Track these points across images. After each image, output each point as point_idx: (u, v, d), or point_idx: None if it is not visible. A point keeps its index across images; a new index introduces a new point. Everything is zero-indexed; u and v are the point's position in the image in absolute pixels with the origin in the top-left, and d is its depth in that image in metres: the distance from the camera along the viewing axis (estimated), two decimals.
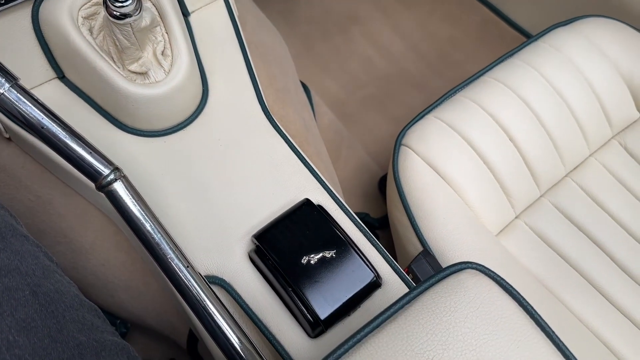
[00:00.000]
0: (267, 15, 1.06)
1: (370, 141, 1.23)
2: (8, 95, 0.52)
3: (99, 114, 0.74)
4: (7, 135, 0.76)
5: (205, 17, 0.84)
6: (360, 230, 0.69)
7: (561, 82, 0.94)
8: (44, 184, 0.77)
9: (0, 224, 0.45)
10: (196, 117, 0.76)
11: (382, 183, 1.14)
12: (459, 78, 1.35)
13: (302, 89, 1.02)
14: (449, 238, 0.79)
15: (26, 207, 0.77)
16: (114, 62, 0.71)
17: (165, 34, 0.73)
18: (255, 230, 0.67)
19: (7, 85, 0.52)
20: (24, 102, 0.53)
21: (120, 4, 0.63)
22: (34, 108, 0.53)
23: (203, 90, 0.77)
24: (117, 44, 0.68)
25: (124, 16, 0.64)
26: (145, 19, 0.67)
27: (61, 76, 0.75)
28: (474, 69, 1.35)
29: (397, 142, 0.89)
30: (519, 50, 0.99)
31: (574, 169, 0.95)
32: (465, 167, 0.85)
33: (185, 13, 0.81)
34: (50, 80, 0.75)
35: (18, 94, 0.53)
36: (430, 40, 1.42)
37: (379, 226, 1.08)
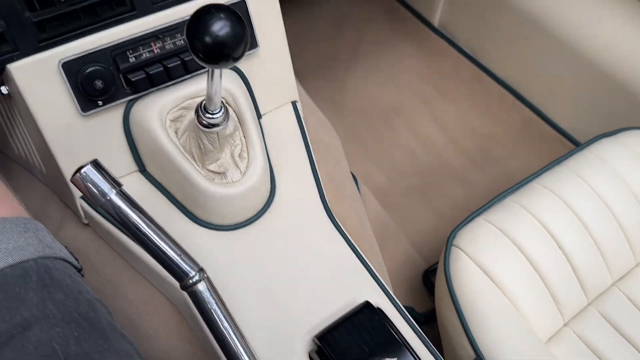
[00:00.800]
0: (317, 104, 1.13)
1: (414, 233, 1.26)
2: (113, 201, 0.57)
3: (175, 206, 0.79)
4: (86, 221, 0.81)
5: (275, 119, 0.90)
6: (415, 333, 0.71)
7: (608, 192, 0.97)
8: (115, 270, 0.81)
9: (103, 322, 0.48)
10: (263, 213, 0.80)
11: (426, 277, 1.16)
12: (500, 174, 1.40)
13: (353, 182, 1.07)
14: (502, 345, 0.80)
15: (96, 291, 0.80)
16: (195, 161, 0.76)
17: (243, 138, 0.79)
18: (315, 330, 0.69)
19: (113, 192, 0.57)
20: (125, 207, 0.58)
21: (211, 116, 0.69)
22: (133, 214, 0.58)
23: (271, 187, 0.82)
24: (202, 147, 0.74)
25: (213, 126, 0.70)
26: (229, 127, 0.73)
27: (142, 169, 0.81)
28: (515, 166, 1.40)
29: (448, 243, 0.92)
30: (566, 158, 1.03)
31: (621, 278, 0.96)
32: (515, 273, 0.88)
33: (258, 116, 0.87)
34: (132, 172, 0.81)
35: (121, 200, 0.58)
36: (471, 135, 1.48)
37: (424, 321, 1.10)
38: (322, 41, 1.72)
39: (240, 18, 0.55)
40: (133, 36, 0.73)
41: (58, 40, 0.69)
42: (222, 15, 0.53)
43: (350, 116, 1.55)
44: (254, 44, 0.82)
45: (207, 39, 0.53)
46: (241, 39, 0.55)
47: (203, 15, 0.53)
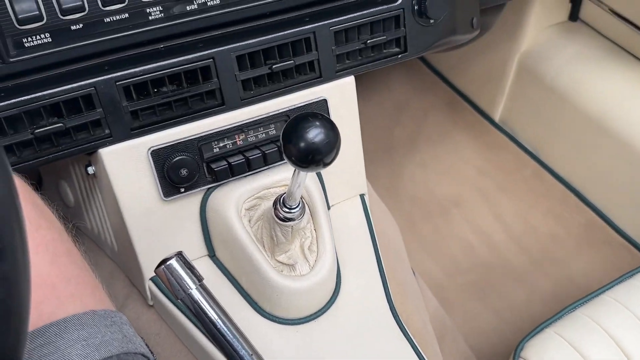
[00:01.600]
0: (374, 190, 1.13)
1: (472, 333, 1.21)
2: (193, 295, 0.58)
3: (240, 294, 0.79)
4: (151, 303, 0.82)
5: (343, 211, 0.90)
6: None
7: None
8: (172, 353, 0.80)
9: None
10: (328, 309, 0.79)
11: None
12: (562, 278, 1.35)
13: (414, 278, 1.05)
14: None
15: None
16: (265, 250, 0.77)
17: (314, 231, 0.79)
18: None
19: (194, 286, 0.57)
20: (204, 303, 0.58)
21: (289, 210, 0.70)
22: (211, 310, 0.58)
23: (337, 282, 0.81)
24: (274, 238, 0.74)
25: (289, 220, 0.71)
26: (304, 221, 0.74)
27: (212, 255, 0.81)
28: (578, 270, 1.35)
29: (516, 355, 0.87)
30: (638, 272, 0.98)
31: None
32: None
33: (327, 206, 0.88)
34: (202, 257, 0.81)
35: (201, 295, 0.58)
36: (532, 234, 1.44)
37: None
38: (380, 128, 1.75)
39: (334, 127, 0.56)
40: (220, 128, 0.76)
41: (149, 129, 0.72)
42: (317, 124, 0.55)
43: (407, 204, 1.54)
44: None
45: (302, 144, 0.55)
46: (333, 147, 0.56)
47: (300, 121, 0.55)
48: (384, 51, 0.86)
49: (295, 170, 0.62)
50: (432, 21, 0.85)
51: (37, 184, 1.12)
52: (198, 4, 0.74)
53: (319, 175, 0.86)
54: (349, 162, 0.89)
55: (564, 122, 1.45)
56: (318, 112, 0.57)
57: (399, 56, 0.87)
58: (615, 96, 1.34)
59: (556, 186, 1.49)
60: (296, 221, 0.72)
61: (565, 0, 1.47)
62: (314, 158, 0.56)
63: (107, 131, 0.70)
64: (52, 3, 0.64)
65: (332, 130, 0.56)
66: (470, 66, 1.69)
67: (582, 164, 1.43)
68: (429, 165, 1.65)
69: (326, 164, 0.57)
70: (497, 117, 1.65)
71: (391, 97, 1.84)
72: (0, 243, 0.33)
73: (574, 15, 1.48)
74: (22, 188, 0.54)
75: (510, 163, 1.59)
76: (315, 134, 0.55)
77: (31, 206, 0.51)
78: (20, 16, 0.62)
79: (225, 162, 0.76)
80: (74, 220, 0.95)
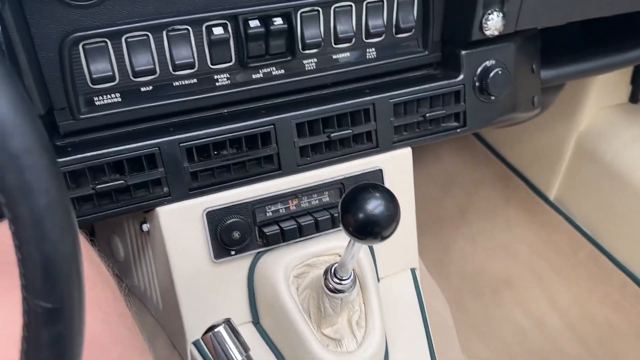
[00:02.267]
0: (422, 264, 1.09)
1: None
2: None
3: None
4: None
5: (393, 285, 0.87)
6: None
7: None
8: None
9: None
10: None
11: None
12: None
13: None
14: None
15: None
16: (311, 321, 0.74)
17: (363, 304, 0.76)
18: None
19: (240, 357, 0.55)
20: None
21: (339, 281, 0.68)
22: None
23: None
24: (321, 309, 0.72)
25: (340, 292, 0.69)
26: (353, 294, 0.71)
27: (256, 322, 0.79)
28: None
29: None
30: None
31: None
32: None
33: (377, 279, 0.85)
34: (246, 323, 0.79)
35: None
36: (589, 322, 1.36)
37: None
38: (429, 200, 1.72)
39: (394, 199, 0.55)
40: (274, 193, 0.76)
41: (207, 190, 0.73)
42: (378, 195, 0.54)
43: (455, 279, 1.49)
44: None
45: (361, 215, 0.54)
46: (393, 220, 0.54)
47: (361, 191, 0.54)
48: (443, 125, 0.86)
49: (350, 241, 0.61)
50: (493, 98, 0.85)
51: (91, 237, 1.14)
52: (263, 73, 0.76)
53: (370, 247, 0.84)
54: (402, 235, 0.87)
55: (623, 205, 1.38)
56: (378, 184, 0.56)
57: (458, 130, 0.86)
58: None
59: (614, 271, 1.41)
60: (346, 293, 0.69)
61: (626, 83, 1.45)
62: (372, 230, 0.54)
63: (166, 190, 0.71)
64: (126, 65, 0.67)
65: (392, 202, 0.54)
66: (525, 142, 1.67)
67: None
68: (478, 240, 1.60)
69: (384, 237, 0.55)
70: (552, 196, 1.60)
71: (441, 168, 1.82)
72: (59, 302, 0.33)
73: (634, 97, 1.45)
74: (82, 244, 0.54)
75: (566, 244, 1.52)
76: (375, 206, 0.53)
77: (88, 262, 0.51)
78: (94, 76, 0.65)
79: (277, 227, 0.76)
80: (121, 275, 0.96)
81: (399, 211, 0.55)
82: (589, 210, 1.50)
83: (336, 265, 0.68)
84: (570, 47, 1.13)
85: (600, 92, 1.43)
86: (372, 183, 0.55)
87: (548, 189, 1.61)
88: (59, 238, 0.32)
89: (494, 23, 0.78)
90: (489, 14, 0.78)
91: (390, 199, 0.54)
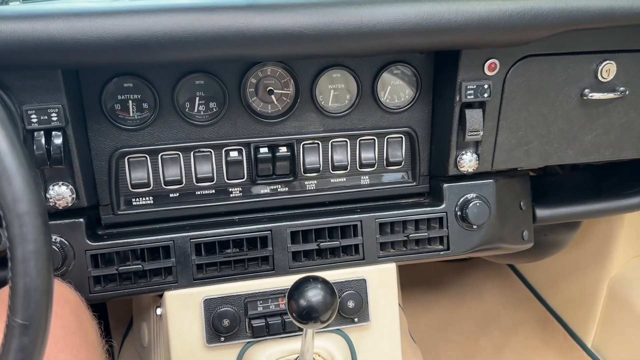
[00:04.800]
0: None
1: None
2: None
3: None
4: None
5: None
6: None
7: None
8: None
9: None
10: None
11: None
12: None
13: None
14: None
15: None
16: None
17: None
18: None
19: None
20: None
21: None
22: None
23: None
24: None
25: None
26: None
27: None
28: None
29: None
30: None
31: None
32: None
33: None
34: None
35: None
36: None
37: None
38: (467, 336, 1.72)
39: (332, 289, 0.66)
40: (266, 289, 0.88)
41: (209, 281, 0.87)
42: (318, 285, 0.65)
43: None
44: (365, 318, 0.91)
45: (302, 302, 0.65)
46: (329, 307, 0.65)
47: (302, 283, 0.66)
48: (429, 246, 0.96)
49: (304, 330, 0.71)
50: (474, 227, 0.95)
51: (128, 326, 1.30)
52: (270, 189, 0.92)
53: (352, 352, 0.92)
54: (384, 347, 0.94)
55: None
56: (319, 276, 0.67)
57: (441, 253, 0.95)
58: None
59: None
60: None
61: None
62: (310, 315, 0.65)
63: (174, 277, 0.86)
64: (159, 175, 0.87)
65: (330, 293, 0.65)
66: (563, 285, 1.67)
67: None
68: None
69: (324, 322, 0.65)
70: (589, 343, 1.55)
71: (482, 306, 1.83)
72: (29, 320, 0.47)
73: None
74: (74, 299, 0.70)
75: None
76: (314, 294, 0.65)
77: (74, 316, 0.66)
78: (134, 182, 0.85)
79: (264, 321, 0.87)
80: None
81: (335, 301, 0.66)
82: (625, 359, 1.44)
83: (298, 357, 0.77)
84: (580, 189, 1.21)
85: (631, 239, 1.44)
86: (314, 275, 0.67)
87: (586, 335, 1.57)
88: (37, 275, 0.47)
89: (467, 162, 0.91)
90: (463, 154, 0.91)
91: (327, 289, 0.65)
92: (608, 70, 0.88)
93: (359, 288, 0.92)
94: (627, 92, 0.90)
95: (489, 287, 1.89)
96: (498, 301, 1.84)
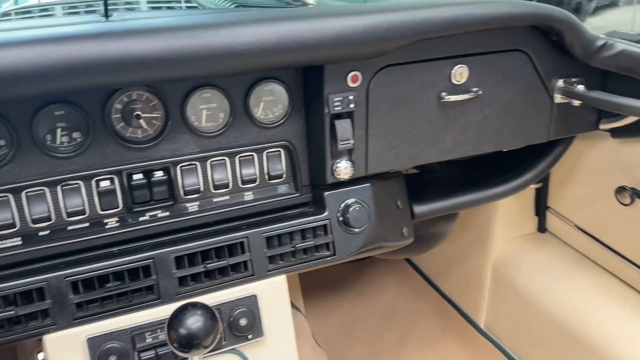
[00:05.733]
0: None
1: None
2: None
3: None
4: None
5: None
6: None
7: None
8: None
9: None
10: None
11: None
12: None
13: None
14: None
15: None
16: None
17: None
18: None
19: None
20: None
21: None
22: None
23: None
24: None
25: None
26: None
27: None
28: None
29: None
30: None
31: None
32: None
33: None
34: None
35: None
36: None
37: None
38: (371, 332, 1.78)
39: (212, 313, 0.66)
40: (154, 320, 0.86)
41: (91, 319, 0.84)
42: (198, 312, 0.65)
43: None
44: (259, 333, 0.92)
45: (182, 330, 0.64)
46: (210, 332, 0.65)
47: (181, 311, 0.65)
48: (316, 254, 0.98)
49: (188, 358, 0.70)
50: (356, 230, 0.98)
51: None
52: (149, 216, 0.90)
53: None
54: (280, 356, 0.95)
55: (541, 330, 1.45)
56: (199, 302, 0.67)
57: (329, 259, 0.98)
58: (584, 304, 1.36)
59: None
60: None
61: (531, 214, 1.59)
62: (191, 342, 0.64)
63: (52, 320, 0.82)
64: (25, 214, 0.82)
65: (211, 318, 0.65)
66: (453, 272, 1.77)
67: None
68: None
69: (206, 347, 0.65)
70: (482, 323, 1.67)
71: (384, 301, 1.90)
72: None
73: (541, 227, 1.58)
74: None
75: None
76: (193, 321, 0.64)
77: None
78: None
79: (154, 352, 0.85)
80: None
81: (217, 323, 0.65)
82: (514, 336, 1.56)
83: None
84: (454, 184, 1.30)
85: (507, 224, 1.57)
86: (193, 302, 0.66)
87: (478, 317, 1.68)
88: None
89: (343, 170, 0.94)
90: (338, 163, 0.94)
91: (207, 314, 0.65)
92: (461, 73, 0.95)
93: (251, 304, 0.92)
94: (480, 92, 0.98)
95: (389, 282, 1.97)
96: (398, 295, 1.92)
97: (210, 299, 0.90)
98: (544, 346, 1.44)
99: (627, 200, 1.19)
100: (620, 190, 1.20)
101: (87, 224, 0.87)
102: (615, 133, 1.15)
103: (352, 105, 0.89)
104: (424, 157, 1.00)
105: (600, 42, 0.98)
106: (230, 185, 0.94)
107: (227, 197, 0.95)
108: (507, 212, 1.54)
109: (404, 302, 1.88)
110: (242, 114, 0.91)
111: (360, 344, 1.73)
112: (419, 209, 1.12)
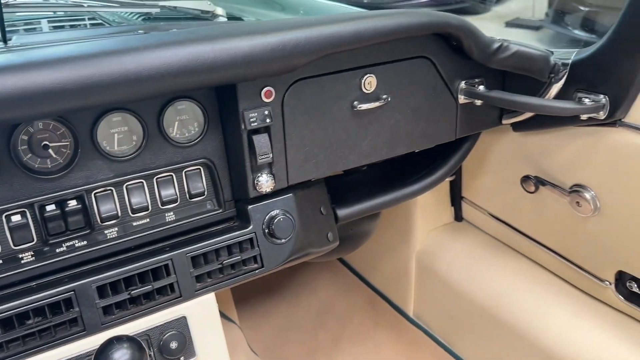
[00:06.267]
0: None
1: None
2: None
3: None
4: None
5: None
6: None
7: None
8: None
9: None
10: None
11: None
12: None
13: None
14: None
15: None
16: None
17: None
18: None
19: None
20: None
21: None
22: None
23: None
24: None
25: None
26: None
27: None
28: None
29: None
30: None
31: None
32: None
33: None
34: None
35: None
36: None
37: None
38: (306, 333, 1.81)
39: (139, 345, 0.66)
40: (80, 353, 0.84)
41: (12, 359, 0.80)
42: (124, 345, 0.64)
43: None
44: (191, 354, 0.92)
45: None
46: None
47: (107, 346, 0.64)
48: (244, 267, 0.99)
49: None
50: (282, 241, 1.00)
51: None
52: (66, 246, 0.88)
53: None
54: None
55: (464, 314, 1.53)
56: (125, 335, 0.66)
57: (257, 271, 0.99)
58: (501, 286, 1.46)
59: None
60: None
61: (448, 205, 1.68)
62: None
63: None
64: None
65: (136, 348, 0.65)
66: (382, 266, 1.84)
67: (489, 355, 1.48)
68: None
69: None
70: (411, 312, 1.74)
71: (317, 301, 1.94)
72: None
73: (458, 217, 1.67)
74: None
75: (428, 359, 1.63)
76: (120, 355, 0.64)
77: None
78: None
79: None
80: None
81: (144, 354, 0.65)
82: (442, 322, 1.64)
83: None
84: (374, 185, 1.34)
85: (426, 215, 1.64)
86: (118, 336, 0.66)
87: (407, 307, 1.75)
88: None
89: (265, 183, 0.96)
90: (259, 177, 0.95)
91: (134, 346, 0.65)
92: (370, 82, 0.99)
93: (181, 326, 0.92)
94: (389, 99, 1.02)
95: (322, 282, 2.00)
96: (331, 293, 1.96)
97: (138, 325, 0.89)
98: (469, 329, 1.53)
99: (532, 188, 1.28)
100: (525, 179, 1.29)
101: (0, 261, 0.83)
102: (516, 127, 1.23)
103: (268, 120, 0.91)
104: (343, 164, 1.04)
105: (496, 45, 1.05)
106: (150, 207, 0.92)
107: (147, 220, 0.94)
108: (425, 205, 1.62)
109: (337, 300, 1.93)
110: (157, 135, 0.90)
111: (296, 345, 1.76)
112: (342, 212, 1.16)
